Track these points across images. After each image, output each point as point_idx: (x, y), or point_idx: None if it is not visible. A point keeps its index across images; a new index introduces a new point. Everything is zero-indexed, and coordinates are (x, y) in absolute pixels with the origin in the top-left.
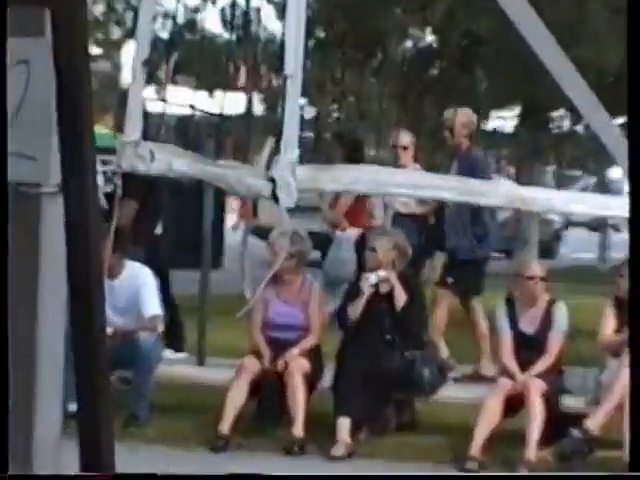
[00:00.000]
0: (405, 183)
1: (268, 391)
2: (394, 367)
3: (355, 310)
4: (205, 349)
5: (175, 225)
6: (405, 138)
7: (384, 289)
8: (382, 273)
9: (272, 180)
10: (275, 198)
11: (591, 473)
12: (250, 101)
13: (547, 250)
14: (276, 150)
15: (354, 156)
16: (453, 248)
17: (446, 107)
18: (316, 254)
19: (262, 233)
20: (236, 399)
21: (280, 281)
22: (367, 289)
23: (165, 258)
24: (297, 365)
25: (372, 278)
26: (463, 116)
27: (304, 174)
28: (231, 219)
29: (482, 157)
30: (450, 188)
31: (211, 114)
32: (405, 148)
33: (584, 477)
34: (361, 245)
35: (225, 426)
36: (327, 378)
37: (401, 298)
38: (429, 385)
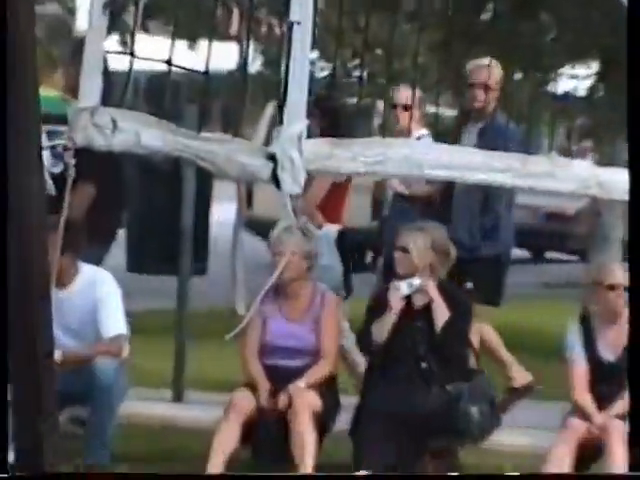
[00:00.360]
0: (446, 163)
1: (266, 435)
2: (432, 405)
3: (381, 331)
4: (184, 381)
5: (145, 218)
6: (406, 94)
7: (419, 302)
8: (417, 281)
9: (272, 158)
10: (276, 182)
11: (591, 473)
12: (244, 55)
13: None
14: (278, 119)
15: (331, 130)
16: (457, 241)
17: (506, 63)
18: None
19: (259, 228)
20: (224, 445)
21: (283, 291)
22: (397, 303)
23: (132, 261)
24: (304, 401)
25: (404, 288)
26: (492, 70)
27: (314, 150)
28: (220, 210)
29: (513, 127)
30: (506, 169)
31: (193, 72)
32: (407, 108)
33: (584, 477)
34: (343, 245)
35: (215, 464)
36: (344, 418)
37: (442, 314)
38: (478, 428)
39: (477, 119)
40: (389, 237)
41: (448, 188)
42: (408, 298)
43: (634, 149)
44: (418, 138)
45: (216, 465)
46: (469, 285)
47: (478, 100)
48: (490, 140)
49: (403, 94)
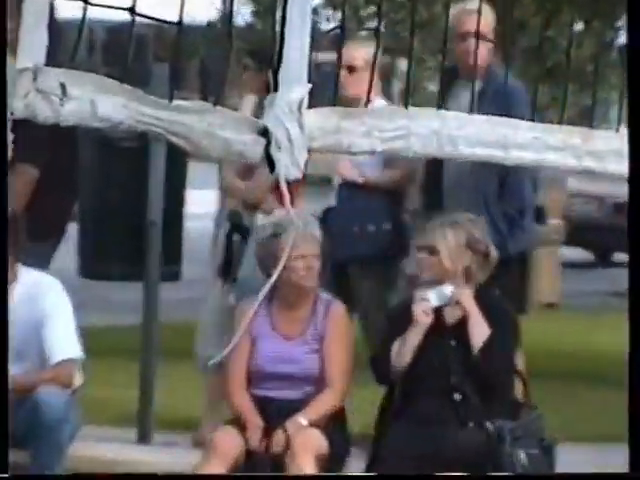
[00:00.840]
0: (487, 139)
1: None
2: (468, 448)
3: (403, 353)
4: (152, 418)
5: (102, 209)
6: (357, 52)
7: (452, 317)
8: (449, 290)
9: (265, 133)
10: (270, 163)
11: (591, 473)
12: (228, 2)
13: None
14: (272, 84)
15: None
16: None
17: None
18: None
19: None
20: None
21: (279, 303)
22: (423, 317)
23: (86, 264)
24: (306, 442)
25: (432, 298)
26: (484, 15)
27: (317, 123)
28: (196, 200)
29: (519, 86)
30: (563, 147)
31: (163, 22)
32: (352, 69)
33: (584, 477)
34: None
35: None
36: (355, 464)
37: (481, 331)
38: (526, 478)
39: (469, 78)
40: (333, 234)
41: (433, 168)
42: (438, 311)
43: (634, 149)
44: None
45: None
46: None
47: (469, 53)
48: (495, 104)
49: (354, 52)
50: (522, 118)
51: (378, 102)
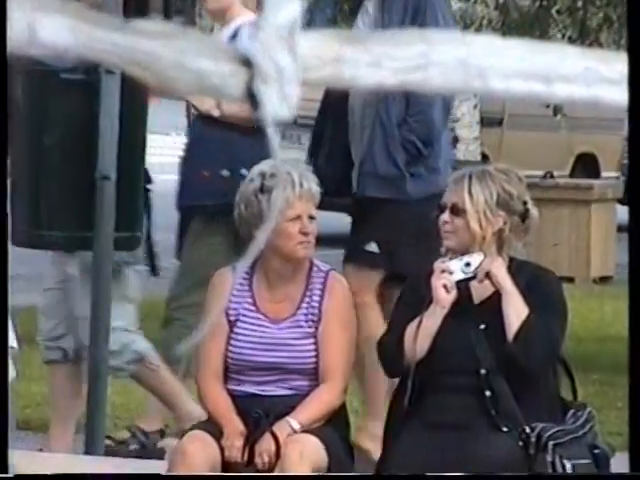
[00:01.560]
0: (528, 70)
1: None
2: (501, 457)
3: (420, 339)
4: (103, 421)
5: (41, 159)
6: None
7: (481, 294)
8: (477, 260)
9: (248, 63)
10: (253, 100)
11: (591, 473)
12: None
13: None
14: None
15: None
16: (365, 174)
17: None
18: None
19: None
20: None
21: (264, 276)
22: (445, 294)
23: (21, 230)
24: (299, 452)
25: (456, 271)
26: None
27: (313, 50)
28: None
29: None
30: (619, 79)
31: None
32: None
33: (584, 477)
34: None
35: None
36: (362, 477)
37: (517, 313)
38: None
39: None
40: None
41: (335, 97)
42: (463, 287)
43: (634, 148)
44: (234, 34)
45: None
46: (373, 246)
47: None
48: (399, 14)
49: None
50: (437, 27)
51: (247, 16)
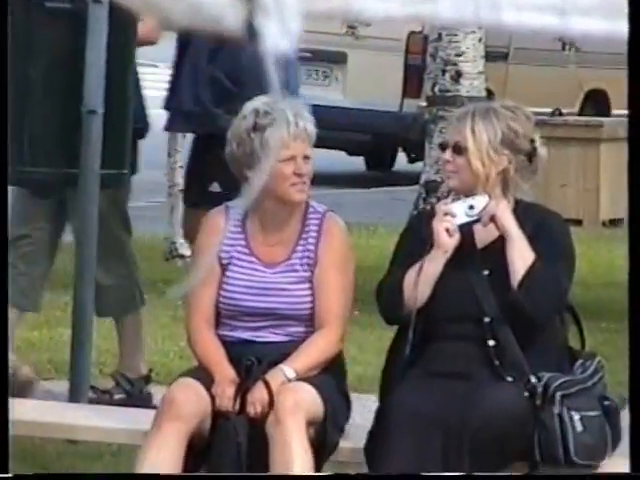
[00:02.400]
0: (538, 2)
1: (227, 461)
2: (505, 408)
3: (421, 284)
4: (87, 368)
5: (22, 92)
6: None
7: (485, 239)
8: (481, 202)
9: None
10: (253, 33)
11: (591, 473)
12: None
13: None
14: None
15: None
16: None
17: None
18: None
19: None
20: (163, 467)
21: (258, 218)
22: (447, 238)
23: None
24: (293, 402)
25: (459, 213)
26: None
27: None
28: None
29: None
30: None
31: None
32: None
33: (584, 477)
34: None
35: None
36: (357, 430)
37: (523, 257)
38: (583, 450)
39: None
40: None
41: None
42: (466, 231)
43: (634, 148)
44: None
45: None
46: (216, 185)
47: None
48: None
49: None
50: None
51: None
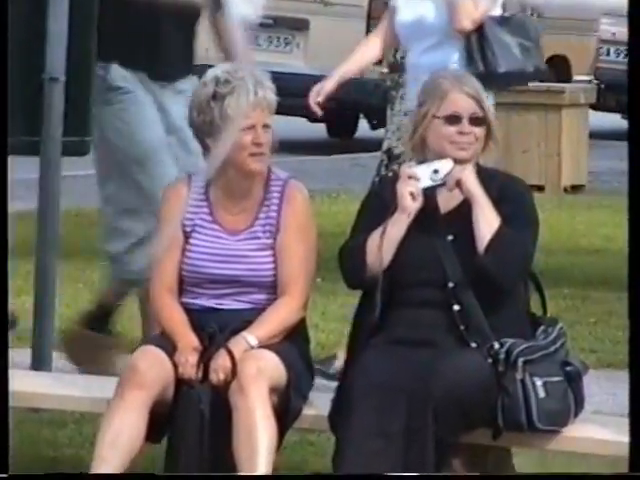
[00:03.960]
0: None
1: (190, 429)
2: (469, 374)
3: (384, 249)
4: (52, 337)
5: None
6: None
7: (449, 204)
8: (446, 166)
9: None
10: (216, 1)
11: (591, 473)
12: None
13: None
14: None
15: None
16: None
17: None
18: None
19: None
20: (119, 440)
21: (220, 186)
22: (410, 202)
23: None
24: (256, 369)
25: (423, 176)
26: None
27: None
28: None
29: None
30: None
31: None
32: None
33: (584, 477)
34: None
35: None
36: (320, 397)
37: (488, 223)
38: (545, 416)
39: None
40: None
41: None
42: (430, 195)
43: (634, 148)
44: None
45: (105, 471)
46: None
47: None
48: None
49: None
50: None
51: None
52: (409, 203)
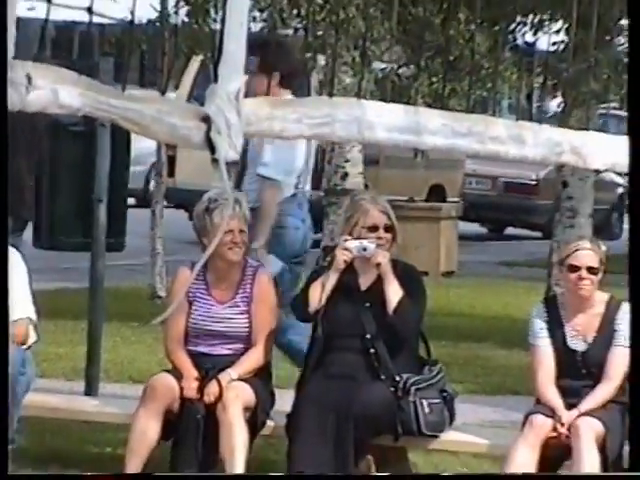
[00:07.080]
0: (403, 125)
1: (190, 432)
2: (380, 396)
3: (322, 292)
4: (97, 372)
5: (55, 186)
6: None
7: (366, 282)
8: (371, 247)
9: (207, 120)
10: (210, 146)
11: (591, 473)
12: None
13: (604, 226)
14: (213, 75)
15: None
16: None
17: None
18: None
19: (180, 199)
20: (144, 439)
21: (213, 270)
22: (342, 265)
23: (39, 235)
24: (235, 394)
25: (354, 249)
26: None
27: (253, 111)
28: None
29: None
30: (468, 133)
31: (117, 21)
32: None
33: (584, 477)
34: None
35: (133, 465)
36: (279, 412)
37: (395, 293)
38: (429, 426)
39: None
40: None
41: None
42: (354, 279)
43: (634, 148)
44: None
45: (135, 464)
46: None
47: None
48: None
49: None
50: None
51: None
52: (341, 265)
